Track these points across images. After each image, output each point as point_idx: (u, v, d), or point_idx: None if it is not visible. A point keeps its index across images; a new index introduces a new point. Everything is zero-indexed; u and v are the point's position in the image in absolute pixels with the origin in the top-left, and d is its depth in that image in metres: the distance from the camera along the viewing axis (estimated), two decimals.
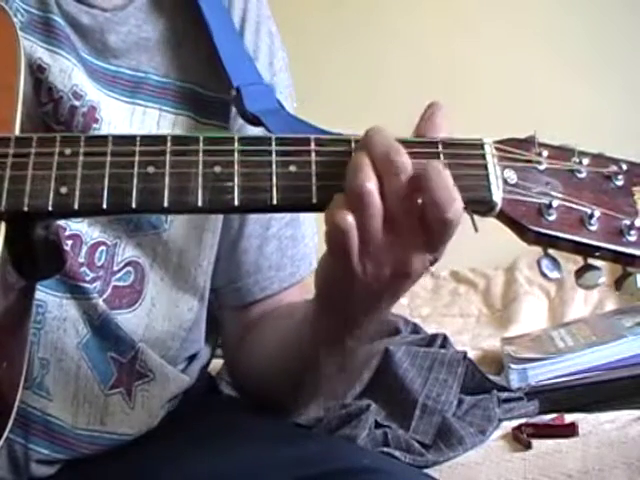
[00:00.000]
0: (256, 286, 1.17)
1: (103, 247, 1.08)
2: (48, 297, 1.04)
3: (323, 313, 0.94)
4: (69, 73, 1.05)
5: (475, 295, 2.62)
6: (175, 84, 1.12)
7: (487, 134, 0.90)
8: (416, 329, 2.06)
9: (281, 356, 1.08)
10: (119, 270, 1.09)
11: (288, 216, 1.18)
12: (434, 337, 1.90)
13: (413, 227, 0.83)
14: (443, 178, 0.81)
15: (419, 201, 0.82)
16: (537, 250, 0.88)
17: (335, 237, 0.82)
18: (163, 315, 1.11)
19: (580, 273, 0.87)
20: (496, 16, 2.99)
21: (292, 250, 1.19)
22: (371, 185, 0.81)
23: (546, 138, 0.90)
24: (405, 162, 0.82)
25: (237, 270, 1.17)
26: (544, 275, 0.86)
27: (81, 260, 1.06)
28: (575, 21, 2.97)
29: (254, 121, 1.05)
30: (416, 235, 0.83)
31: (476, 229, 0.87)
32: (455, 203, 0.81)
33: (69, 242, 1.05)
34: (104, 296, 1.07)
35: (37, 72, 1.04)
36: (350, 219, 0.81)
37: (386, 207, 0.82)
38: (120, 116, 1.08)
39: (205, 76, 1.13)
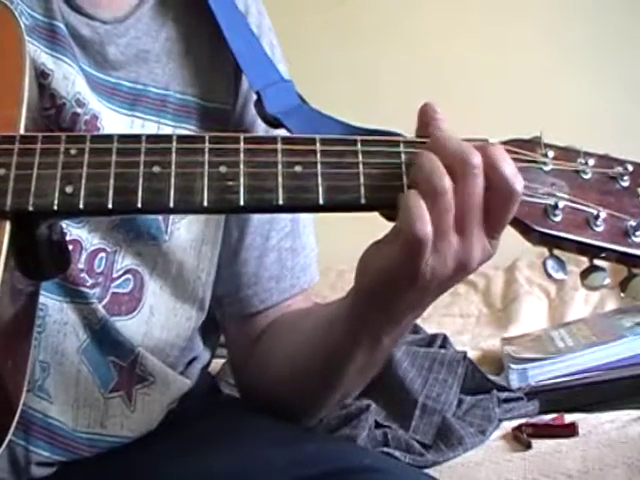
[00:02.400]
0: (255, 297, 1.17)
1: (103, 254, 1.07)
2: (49, 301, 1.04)
3: (364, 309, 0.93)
4: (72, 80, 1.05)
5: (475, 295, 2.61)
6: (175, 96, 1.12)
7: (488, 133, 0.91)
8: (416, 329, 2.06)
9: (298, 360, 1.08)
10: (118, 277, 1.08)
11: (288, 227, 1.18)
12: (434, 337, 1.90)
13: (479, 222, 0.85)
14: (505, 154, 0.85)
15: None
16: (537, 250, 0.89)
17: (414, 246, 0.83)
18: (162, 324, 1.11)
19: (585, 274, 0.87)
20: (497, 16, 2.99)
21: (292, 261, 1.19)
22: (448, 183, 0.83)
23: (547, 137, 0.91)
24: (479, 163, 0.84)
25: (237, 281, 1.17)
26: (549, 276, 0.86)
27: (81, 266, 1.06)
28: (575, 20, 2.97)
29: (275, 123, 1.05)
30: (480, 230, 0.85)
31: None
32: (519, 174, 0.85)
33: (69, 247, 1.04)
34: (103, 302, 1.07)
35: (40, 77, 1.03)
36: (429, 228, 0.82)
37: (457, 206, 0.83)
38: (119, 128, 1.08)
39: (206, 85, 1.13)
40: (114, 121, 1.08)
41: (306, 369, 1.06)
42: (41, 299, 1.01)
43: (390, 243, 0.85)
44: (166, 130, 1.11)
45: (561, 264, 0.86)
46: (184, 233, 1.11)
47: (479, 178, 0.83)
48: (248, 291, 1.17)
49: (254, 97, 1.09)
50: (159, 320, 1.11)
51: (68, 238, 1.04)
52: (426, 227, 0.82)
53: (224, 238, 1.15)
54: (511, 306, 2.46)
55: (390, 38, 3.03)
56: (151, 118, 1.10)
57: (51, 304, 1.04)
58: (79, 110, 1.05)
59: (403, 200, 0.84)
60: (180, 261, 1.11)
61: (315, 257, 1.22)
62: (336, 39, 3.06)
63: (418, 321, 2.16)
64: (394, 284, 0.87)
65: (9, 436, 0.88)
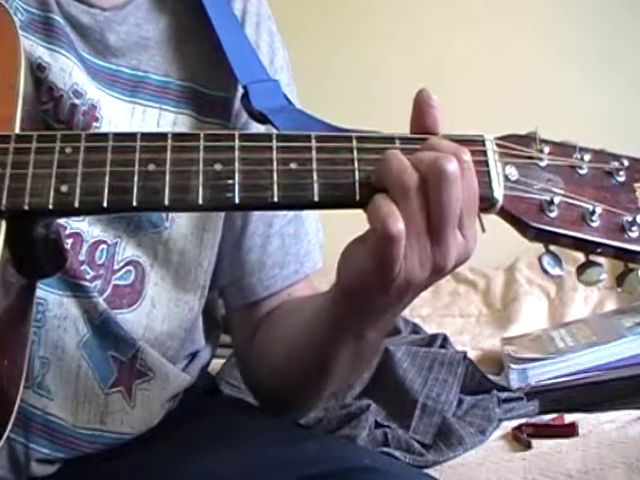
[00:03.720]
0: (259, 285, 1.17)
1: (104, 246, 1.07)
2: (49, 295, 1.04)
3: (345, 306, 0.93)
4: (69, 72, 1.05)
5: (475, 295, 2.61)
6: (175, 83, 1.12)
7: (487, 132, 0.91)
8: (416, 329, 2.07)
9: (293, 349, 1.08)
10: (119, 269, 1.08)
11: (291, 213, 1.18)
12: (434, 337, 1.90)
13: (455, 225, 0.84)
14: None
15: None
16: (537, 250, 0.89)
17: (386, 246, 0.83)
18: (163, 315, 1.11)
19: (581, 269, 0.87)
20: (496, 14, 2.99)
21: (295, 247, 1.19)
22: (417, 181, 0.83)
23: (547, 135, 0.91)
24: (456, 169, 0.83)
25: (241, 269, 1.17)
26: (545, 272, 0.86)
27: (82, 258, 1.06)
28: (575, 19, 2.96)
29: (261, 119, 1.05)
30: (456, 231, 0.84)
31: (483, 229, 0.87)
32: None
33: (69, 240, 1.05)
34: (104, 295, 1.07)
35: (37, 71, 1.04)
36: (401, 226, 0.82)
37: (433, 211, 0.83)
38: (120, 115, 1.08)
39: (207, 74, 1.13)
40: (115, 108, 1.08)
41: (298, 359, 1.07)
42: (41, 293, 1.02)
43: (365, 245, 0.85)
44: (168, 116, 1.11)
45: (557, 260, 0.86)
46: (185, 221, 1.11)
47: (457, 184, 0.83)
48: (252, 278, 1.17)
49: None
50: (160, 312, 1.11)
51: (68, 231, 1.05)
52: (398, 223, 0.82)
53: (227, 227, 1.16)
54: (511, 306, 2.46)
55: (389, 37, 3.03)
56: (153, 105, 1.11)
57: (51, 298, 1.04)
58: (77, 101, 1.05)
59: (371, 202, 0.84)
60: (181, 249, 1.12)
61: (318, 243, 1.22)
62: (335, 38, 3.06)
63: (418, 321, 2.17)
64: (370, 286, 0.87)
65: (6, 434, 0.88)
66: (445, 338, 1.88)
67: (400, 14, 3.05)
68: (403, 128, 0.91)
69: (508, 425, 1.58)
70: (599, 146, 0.92)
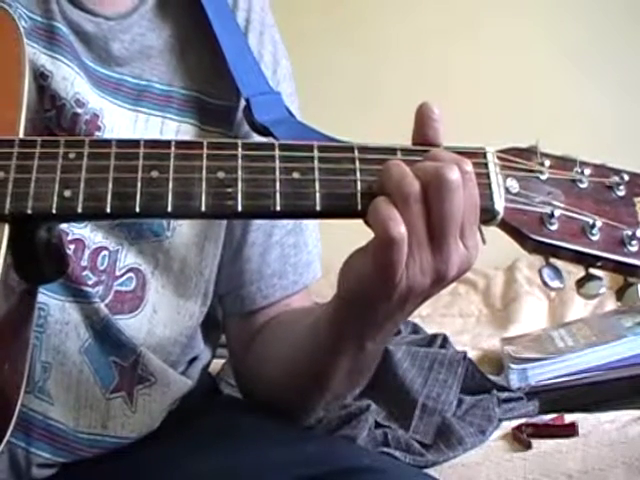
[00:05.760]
0: (258, 294, 1.18)
1: (105, 252, 1.08)
2: (50, 300, 1.04)
3: (346, 314, 0.93)
4: (71, 81, 1.05)
5: (475, 295, 2.61)
6: (179, 92, 1.12)
7: (487, 137, 0.91)
8: (416, 329, 2.06)
9: (290, 360, 1.08)
10: (121, 275, 1.09)
11: (291, 224, 1.18)
12: (434, 337, 1.90)
13: (457, 233, 0.84)
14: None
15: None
16: None
17: (388, 250, 0.83)
18: (164, 322, 1.12)
19: (581, 283, 0.87)
20: (496, 17, 2.99)
21: (295, 258, 1.19)
22: (418, 188, 0.83)
23: (547, 142, 0.91)
24: (458, 177, 0.83)
25: (240, 278, 1.18)
26: (546, 284, 0.86)
27: (84, 264, 1.06)
28: (576, 20, 2.96)
29: (263, 131, 1.05)
30: (458, 239, 0.85)
31: (484, 241, 0.88)
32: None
33: (71, 246, 1.05)
34: (106, 301, 1.07)
35: (40, 79, 1.04)
36: (403, 229, 0.82)
37: (434, 218, 0.84)
38: (123, 123, 1.09)
39: (209, 83, 1.13)
40: (117, 117, 1.09)
41: (296, 370, 1.07)
42: (43, 298, 1.02)
43: (367, 252, 0.85)
44: (170, 125, 1.11)
45: (557, 273, 0.86)
46: (186, 229, 1.11)
47: (459, 193, 0.83)
48: (251, 287, 1.18)
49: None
50: (162, 318, 1.11)
51: (70, 237, 1.05)
52: (399, 226, 0.82)
53: (227, 236, 1.16)
54: (511, 306, 2.46)
55: (390, 38, 3.02)
56: (155, 113, 1.11)
57: (53, 303, 1.04)
58: (79, 110, 1.06)
59: (372, 206, 0.84)
60: (182, 258, 1.12)
61: (318, 254, 1.22)
62: (336, 39, 3.06)
63: (418, 321, 2.17)
64: (371, 292, 0.87)
65: (6, 438, 0.88)
66: (445, 338, 1.88)
67: (400, 17, 3.04)
68: (403, 132, 0.91)
69: (508, 425, 1.58)
70: (600, 147, 0.92)
